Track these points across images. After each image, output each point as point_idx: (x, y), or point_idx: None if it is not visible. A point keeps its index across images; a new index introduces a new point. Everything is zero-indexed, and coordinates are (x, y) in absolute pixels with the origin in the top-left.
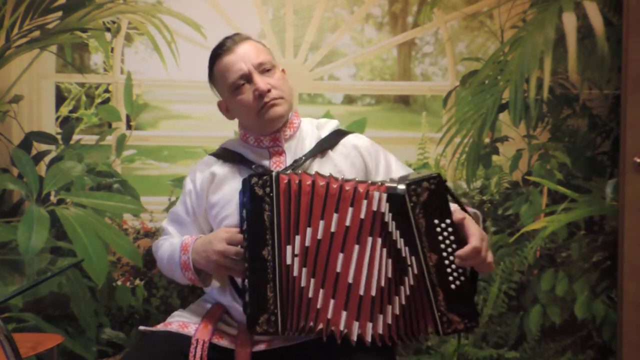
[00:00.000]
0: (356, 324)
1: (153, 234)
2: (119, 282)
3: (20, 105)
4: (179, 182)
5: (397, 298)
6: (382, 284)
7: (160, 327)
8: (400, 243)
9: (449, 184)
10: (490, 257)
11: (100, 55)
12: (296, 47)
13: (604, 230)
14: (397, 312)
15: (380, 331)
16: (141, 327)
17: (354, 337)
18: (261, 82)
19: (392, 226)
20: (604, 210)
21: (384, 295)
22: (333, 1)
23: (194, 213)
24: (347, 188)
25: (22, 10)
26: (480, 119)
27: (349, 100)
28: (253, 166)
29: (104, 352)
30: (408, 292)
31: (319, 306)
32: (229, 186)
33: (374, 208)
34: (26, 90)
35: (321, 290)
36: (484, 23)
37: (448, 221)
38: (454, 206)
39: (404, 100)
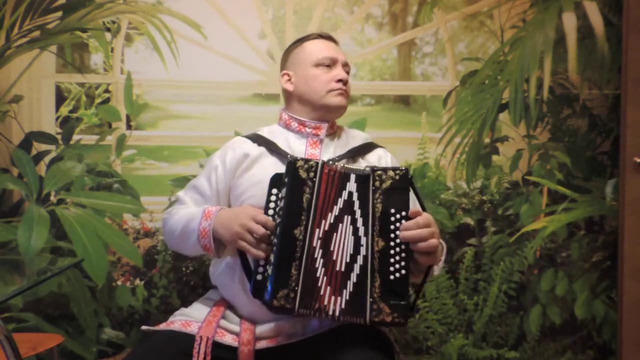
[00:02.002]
0: (333, 299)
1: (153, 234)
2: (119, 282)
3: (20, 105)
4: (179, 182)
5: (352, 275)
6: (347, 260)
7: (162, 326)
8: (360, 222)
9: (449, 183)
10: (431, 244)
11: (100, 55)
12: None
13: (604, 230)
14: (351, 289)
15: (343, 306)
16: (144, 327)
17: (337, 313)
18: (343, 73)
19: (356, 205)
20: (604, 210)
21: (348, 271)
22: (333, 1)
23: (217, 188)
24: (338, 175)
25: (22, 10)
26: (480, 119)
27: (349, 100)
28: (289, 155)
29: (104, 352)
30: (358, 271)
31: (320, 284)
32: (260, 168)
33: (349, 189)
34: (26, 90)
35: (322, 270)
36: (484, 23)
37: (404, 214)
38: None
39: (404, 100)
